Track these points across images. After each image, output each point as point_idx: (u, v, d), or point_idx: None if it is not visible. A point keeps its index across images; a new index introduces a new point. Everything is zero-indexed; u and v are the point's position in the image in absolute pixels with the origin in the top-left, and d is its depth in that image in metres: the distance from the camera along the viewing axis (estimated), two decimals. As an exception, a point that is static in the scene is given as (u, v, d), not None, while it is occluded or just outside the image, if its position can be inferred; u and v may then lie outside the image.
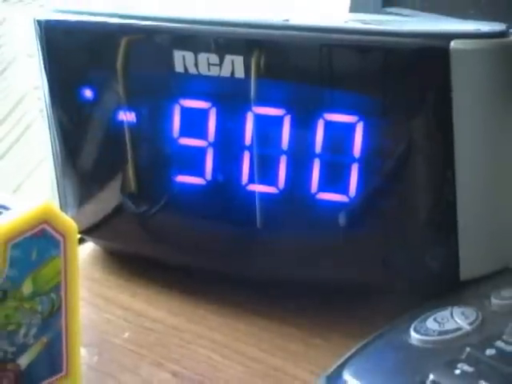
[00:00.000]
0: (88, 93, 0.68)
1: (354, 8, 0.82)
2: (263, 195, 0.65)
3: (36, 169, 1.06)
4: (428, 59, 0.61)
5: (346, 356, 0.58)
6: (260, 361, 0.62)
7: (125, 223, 0.70)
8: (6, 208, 0.56)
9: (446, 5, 0.76)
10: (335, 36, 0.63)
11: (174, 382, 0.61)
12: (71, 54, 0.69)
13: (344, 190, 0.63)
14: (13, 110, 1.08)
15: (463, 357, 0.54)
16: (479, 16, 0.65)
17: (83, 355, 0.60)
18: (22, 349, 0.56)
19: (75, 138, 0.70)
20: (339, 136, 0.62)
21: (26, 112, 1.08)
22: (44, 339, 0.57)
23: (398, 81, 0.62)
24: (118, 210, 0.70)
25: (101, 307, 0.67)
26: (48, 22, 0.69)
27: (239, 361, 0.63)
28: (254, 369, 0.62)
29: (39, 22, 0.69)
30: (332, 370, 0.58)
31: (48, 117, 0.70)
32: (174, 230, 0.69)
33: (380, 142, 0.62)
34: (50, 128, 0.71)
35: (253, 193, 0.65)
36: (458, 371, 0.54)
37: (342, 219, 0.63)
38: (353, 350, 0.59)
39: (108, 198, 0.70)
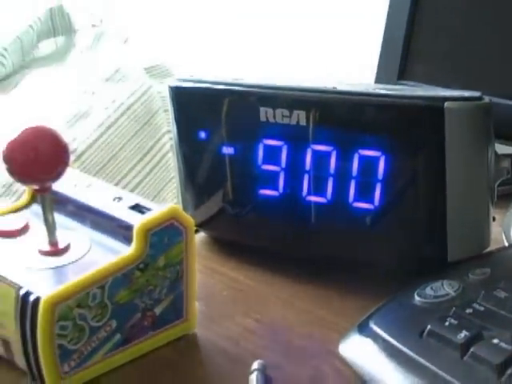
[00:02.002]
0: (202, 134, 0.68)
1: (378, 80, 0.82)
2: (316, 203, 0.65)
3: (168, 184, 1.07)
4: (429, 114, 0.61)
5: (371, 311, 0.59)
6: (311, 312, 0.63)
7: (225, 220, 0.70)
8: (148, 209, 0.57)
9: (439, 79, 0.76)
10: (366, 98, 0.64)
11: (256, 325, 0.62)
12: (191, 108, 0.70)
13: (371, 201, 0.63)
14: (154, 145, 1.08)
15: (450, 314, 0.55)
16: (462, 87, 0.65)
17: (197, 306, 0.60)
18: (157, 302, 0.57)
19: (193, 164, 0.70)
20: (368, 165, 0.63)
21: (162, 146, 1.09)
22: (171, 296, 0.58)
23: (408, 129, 0.62)
24: (221, 211, 0.69)
25: (208, 275, 0.68)
26: (176, 87, 0.69)
27: (297, 312, 0.63)
28: (307, 317, 0.63)
29: (171, 88, 0.70)
30: (361, 320, 0.59)
31: (176, 150, 0.70)
32: (257, 224, 0.69)
33: (395, 169, 0.62)
34: (177, 157, 0.71)
35: (310, 201, 0.65)
36: (447, 323, 0.54)
37: (368, 220, 0.64)
38: (375, 308, 0.60)
39: (214, 203, 0.69)
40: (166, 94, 0.91)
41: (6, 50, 1.13)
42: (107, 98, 1.08)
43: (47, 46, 1.18)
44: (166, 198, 1.07)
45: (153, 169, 1.08)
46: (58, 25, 1.18)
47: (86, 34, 1.17)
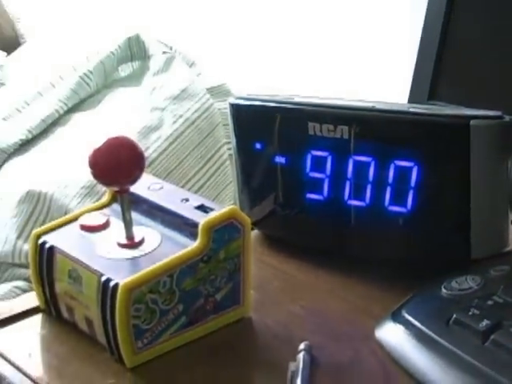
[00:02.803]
0: (258, 145, 0.68)
1: (411, 100, 0.82)
2: (356, 206, 0.65)
3: (226, 187, 1.07)
4: (456, 130, 0.61)
5: (403, 301, 0.59)
6: (350, 301, 0.62)
7: (276, 220, 0.70)
8: (211, 209, 0.57)
9: (465, 100, 0.75)
10: (401, 116, 0.64)
11: (302, 311, 0.61)
12: (249, 123, 0.70)
13: (404, 205, 0.63)
14: (214, 154, 1.09)
15: (473, 304, 0.54)
16: (484, 107, 0.64)
17: (252, 294, 0.60)
18: (218, 289, 0.57)
19: (249, 171, 0.70)
20: (402, 174, 0.62)
21: (221, 155, 1.09)
22: (230, 284, 0.58)
23: (437, 143, 0.62)
24: (273, 212, 0.69)
25: (261, 267, 0.67)
26: (236, 104, 0.69)
27: (338, 300, 0.63)
28: (346, 305, 0.62)
29: (231, 105, 0.69)
30: (395, 309, 0.58)
31: (235, 158, 0.71)
32: (304, 224, 0.68)
33: (426, 178, 0.61)
34: (235, 165, 0.71)
35: (350, 204, 0.65)
36: (470, 313, 0.54)
37: (401, 221, 0.63)
38: (407, 298, 0.59)
39: (267, 205, 0.69)
40: (227, 110, 0.92)
41: (91, 72, 1.15)
42: (175, 114, 1.08)
43: (125, 70, 1.19)
44: (224, 200, 1.07)
45: (213, 175, 1.08)
46: (135, 51, 1.19)
47: (158, 59, 1.17)
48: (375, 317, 0.59)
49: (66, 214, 0.94)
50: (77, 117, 1.12)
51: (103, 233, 0.59)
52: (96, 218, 0.60)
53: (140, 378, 0.54)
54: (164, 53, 1.17)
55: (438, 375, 0.51)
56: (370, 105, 0.64)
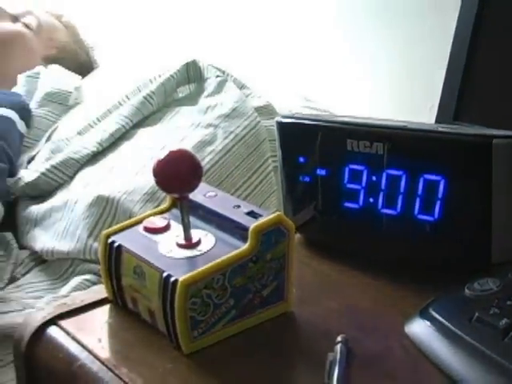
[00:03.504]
0: (301, 159, 0.68)
1: (438, 120, 0.81)
2: (388, 214, 0.64)
3: (270, 195, 1.07)
4: (480, 149, 0.60)
5: (430, 300, 0.58)
6: (381, 298, 0.62)
7: (316, 225, 0.69)
8: (260, 215, 0.57)
9: (487, 121, 0.74)
10: (429, 134, 0.63)
11: (338, 307, 0.61)
12: (293, 139, 0.69)
13: (431, 214, 0.62)
14: (260, 166, 1.08)
15: (494, 304, 0.54)
16: (506, 128, 0.63)
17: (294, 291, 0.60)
18: (264, 286, 0.57)
19: (293, 181, 0.69)
20: (430, 186, 0.61)
21: (266, 167, 1.09)
22: (275, 282, 0.57)
23: (463, 160, 0.61)
24: (313, 218, 0.68)
25: (302, 267, 0.66)
26: (282, 122, 0.69)
27: (370, 298, 0.62)
28: (378, 302, 0.61)
29: (278, 123, 0.69)
30: (422, 307, 0.58)
31: (280, 170, 0.70)
32: (341, 229, 0.68)
33: (451, 190, 0.61)
34: (280, 175, 0.70)
35: (383, 213, 0.64)
36: (491, 312, 0.53)
37: (428, 228, 0.62)
38: (433, 298, 0.58)
39: (308, 212, 0.68)
40: (272, 127, 0.91)
41: (153, 93, 1.16)
42: (226, 130, 1.09)
43: (183, 91, 1.20)
44: (268, 207, 1.07)
45: (258, 184, 1.08)
46: (192, 75, 1.19)
47: (212, 82, 1.18)
48: (404, 313, 0.58)
49: (130, 216, 0.95)
50: (140, 132, 1.13)
51: (164, 234, 0.59)
52: (158, 221, 0.60)
53: (195, 363, 0.54)
54: (217, 76, 1.17)
55: (460, 366, 0.51)
56: (402, 124, 0.64)
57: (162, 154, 0.55)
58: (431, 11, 1.12)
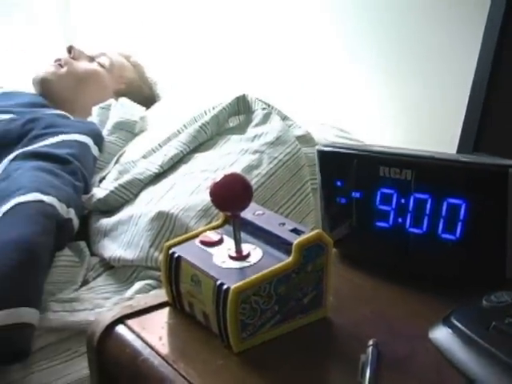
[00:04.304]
0: (338, 182, 0.67)
1: (459, 151, 0.80)
2: (415, 233, 0.64)
3: (309, 214, 1.07)
4: (496, 177, 0.59)
5: (451, 310, 0.57)
6: (408, 307, 0.61)
7: (351, 241, 0.69)
8: (302, 232, 0.57)
9: (503, 152, 0.73)
10: (453, 163, 0.62)
11: (370, 314, 0.60)
12: (332, 165, 0.69)
13: (454, 233, 0.61)
14: (300, 188, 1.08)
15: (509, 314, 0.53)
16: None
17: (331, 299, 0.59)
18: (305, 294, 0.57)
19: (330, 202, 0.69)
20: (453, 209, 0.61)
21: (305, 189, 1.08)
22: (315, 291, 0.57)
23: (482, 186, 0.60)
24: (348, 235, 0.68)
25: (338, 279, 0.63)
26: (322, 150, 0.69)
27: (399, 307, 0.61)
28: (406, 311, 0.61)
29: (318, 151, 0.69)
30: (445, 316, 0.57)
31: (319, 192, 0.70)
32: (373, 245, 0.67)
33: (472, 213, 0.60)
34: (320, 197, 0.70)
35: (410, 231, 0.64)
36: (506, 321, 0.52)
37: (451, 246, 0.62)
38: (454, 308, 0.57)
39: (344, 230, 0.68)
40: (311, 154, 0.91)
41: (208, 123, 1.17)
42: (271, 156, 1.09)
43: (233, 121, 1.20)
44: (306, 224, 1.06)
45: (298, 204, 1.08)
46: (241, 107, 1.20)
47: (258, 113, 1.19)
48: (428, 321, 0.57)
49: (186, 230, 0.96)
50: (196, 156, 1.14)
51: (218, 247, 0.59)
52: (213, 236, 0.60)
53: (243, 361, 0.54)
54: (263, 109, 1.18)
55: (477, 368, 0.51)
56: (428, 154, 0.63)
57: (217, 177, 0.56)
58: (453, 46, 1.09)
